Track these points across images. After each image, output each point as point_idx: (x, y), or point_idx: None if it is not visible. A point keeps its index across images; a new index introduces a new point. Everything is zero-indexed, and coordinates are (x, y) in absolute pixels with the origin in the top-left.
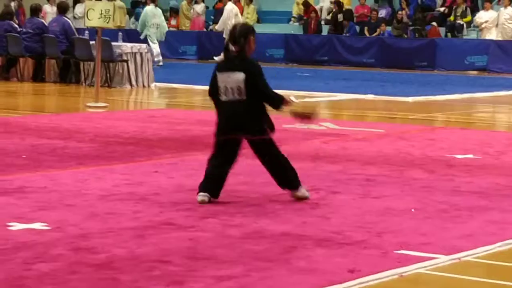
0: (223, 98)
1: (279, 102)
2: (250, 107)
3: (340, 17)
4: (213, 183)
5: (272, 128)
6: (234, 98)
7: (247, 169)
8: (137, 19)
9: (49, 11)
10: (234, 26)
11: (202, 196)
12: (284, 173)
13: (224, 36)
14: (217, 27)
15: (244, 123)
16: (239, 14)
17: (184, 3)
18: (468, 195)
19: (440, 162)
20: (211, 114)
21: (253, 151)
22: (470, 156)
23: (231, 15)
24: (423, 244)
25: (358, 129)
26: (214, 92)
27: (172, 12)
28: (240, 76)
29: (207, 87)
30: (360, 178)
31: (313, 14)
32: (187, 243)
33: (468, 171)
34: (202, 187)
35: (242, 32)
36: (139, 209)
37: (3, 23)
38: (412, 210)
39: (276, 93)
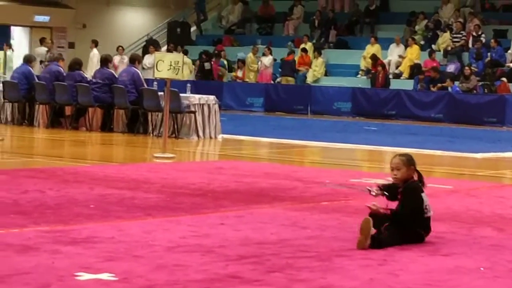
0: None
1: None
2: None
3: (207, 65)
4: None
5: None
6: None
7: (316, 223)
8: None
9: (117, 62)
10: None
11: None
12: None
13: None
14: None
15: None
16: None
17: (250, 55)
18: None
19: (509, 220)
20: (277, 167)
21: None
22: None
23: (94, 60)
24: None
25: (426, 184)
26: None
27: (239, 63)
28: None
29: (273, 139)
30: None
31: (380, 68)
32: None
33: None
34: None
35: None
36: (205, 261)
37: (73, 73)
38: (482, 269)
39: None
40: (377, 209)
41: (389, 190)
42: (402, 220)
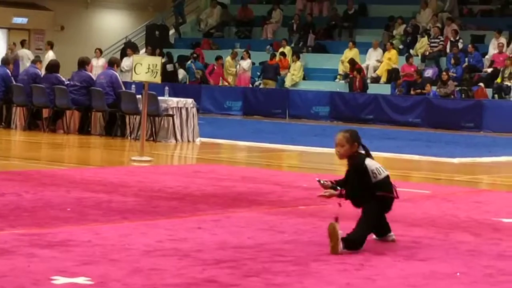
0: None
1: None
2: None
3: (169, 67)
4: None
5: None
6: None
7: (293, 228)
8: (188, 73)
9: (95, 65)
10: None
11: None
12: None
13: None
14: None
15: None
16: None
17: (228, 59)
18: None
19: (486, 226)
20: (255, 171)
21: None
22: None
23: None
24: None
25: (403, 189)
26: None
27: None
28: None
29: (251, 143)
30: (405, 239)
31: (355, 73)
32: None
33: None
34: None
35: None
36: (182, 265)
37: (50, 76)
38: (458, 274)
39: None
40: (327, 184)
41: (340, 185)
42: (354, 197)
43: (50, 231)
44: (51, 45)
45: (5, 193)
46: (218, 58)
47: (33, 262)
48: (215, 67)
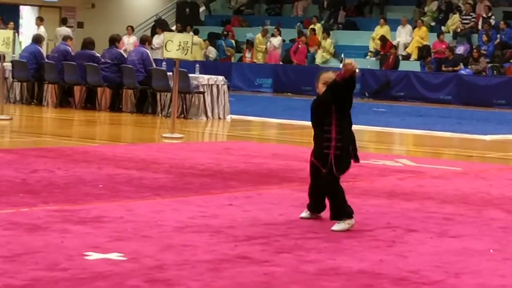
0: None
1: None
2: None
3: None
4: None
5: None
6: None
7: None
8: (218, 50)
9: (126, 42)
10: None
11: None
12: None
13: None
14: None
15: None
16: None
17: (258, 36)
18: None
19: None
20: (285, 148)
21: None
22: None
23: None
24: (502, 286)
25: (435, 166)
26: None
27: (247, 45)
28: None
29: (282, 120)
30: (437, 216)
31: (393, 50)
32: (262, 278)
33: None
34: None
35: None
36: (214, 241)
37: (84, 52)
38: (491, 251)
39: None
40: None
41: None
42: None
43: (82, 208)
44: (42, 21)
45: (37, 170)
46: (300, 35)
47: (66, 238)
48: (300, 46)
